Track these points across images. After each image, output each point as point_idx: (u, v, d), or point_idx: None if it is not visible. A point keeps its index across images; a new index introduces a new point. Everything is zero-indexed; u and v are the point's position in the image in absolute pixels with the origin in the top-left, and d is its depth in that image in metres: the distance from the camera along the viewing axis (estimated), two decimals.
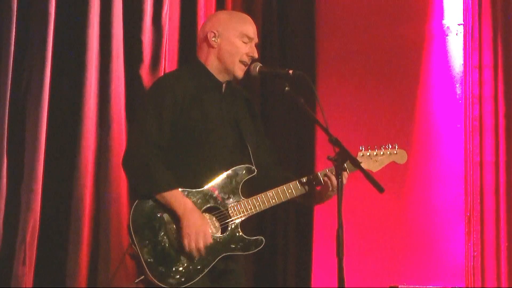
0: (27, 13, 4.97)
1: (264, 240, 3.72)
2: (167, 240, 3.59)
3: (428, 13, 6.23)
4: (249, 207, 3.71)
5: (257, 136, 3.95)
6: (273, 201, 3.75)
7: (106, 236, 5.15)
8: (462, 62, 6.05)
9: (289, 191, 3.77)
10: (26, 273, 4.86)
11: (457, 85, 6.09)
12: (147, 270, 3.55)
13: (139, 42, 5.47)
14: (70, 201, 5.08)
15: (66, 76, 5.12)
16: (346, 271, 3.41)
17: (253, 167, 3.77)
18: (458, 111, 6.04)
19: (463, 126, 5.97)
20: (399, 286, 5.81)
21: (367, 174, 3.56)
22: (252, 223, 5.81)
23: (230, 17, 3.96)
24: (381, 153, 3.91)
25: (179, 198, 3.60)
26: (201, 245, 3.58)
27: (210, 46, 3.84)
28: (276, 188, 3.76)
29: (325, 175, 3.78)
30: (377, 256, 6.15)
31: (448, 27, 6.19)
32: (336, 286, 3.41)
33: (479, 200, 5.89)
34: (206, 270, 3.61)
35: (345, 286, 3.40)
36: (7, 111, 4.80)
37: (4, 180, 4.80)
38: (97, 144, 5.21)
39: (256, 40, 3.87)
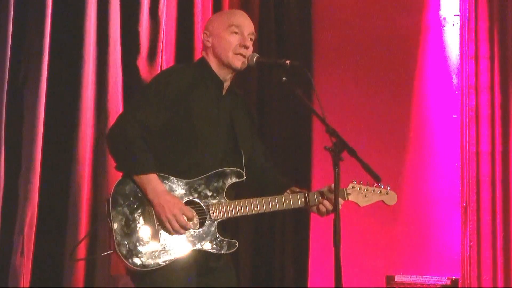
0: (24, 4, 4.96)
1: (237, 244, 3.72)
2: (142, 221, 3.61)
3: (425, 4, 6.24)
4: (230, 209, 3.72)
5: (252, 141, 3.97)
6: (255, 209, 3.76)
7: (104, 227, 5.14)
8: (459, 53, 6.07)
9: (273, 204, 3.78)
10: (24, 264, 4.86)
11: (454, 76, 6.10)
12: (115, 245, 3.56)
13: (137, 33, 5.47)
14: (68, 192, 5.08)
15: (64, 68, 5.12)
16: (342, 261, 3.42)
17: (243, 173, 3.78)
18: (454, 101, 6.05)
19: (459, 116, 5.98)
20: (396, 276, 5.83)
21: (363, 164, 3.58)
22: (249, 216, 5.85)
23: (218, 15, 4.06)
24: (372, 190, 3.92)
25: (152, 182, 3.61)
26: (184, 222, 3.60)
27: (206, 47, 3.87)
28: (261, 198, 3.77)
29: (317, 199, 3.81)
30: (374, 246, 6.16)
31: (444, 18, 6.19)
32: (333, 276, 3.43)
33: (475, 190, 5.90)
34: (173, 259, 3.60)
35: (342, 276, 3.42)
36: (4, 102, 4.80)
37: (2, 171, 4.80)
38: (95, 135, 5.22)
39: (248, 30, 3.84)
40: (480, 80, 5.96)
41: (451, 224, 5.98)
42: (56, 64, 5.06)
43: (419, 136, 6.18)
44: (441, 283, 5.75)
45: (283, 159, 6.22)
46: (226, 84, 3.88)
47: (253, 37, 3.88)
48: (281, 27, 6.45)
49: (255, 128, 4.03)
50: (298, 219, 6.28)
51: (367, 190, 3.89)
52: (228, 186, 3.74)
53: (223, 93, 3.87)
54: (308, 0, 6.55)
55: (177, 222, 3.59)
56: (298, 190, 3.88)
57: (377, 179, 3.60)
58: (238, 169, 3.78)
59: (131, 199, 3.62)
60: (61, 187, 5.08)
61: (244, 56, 3.81)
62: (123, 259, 3.55)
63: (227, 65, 3.81)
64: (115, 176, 5.12)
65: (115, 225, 3.58)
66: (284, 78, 3.72)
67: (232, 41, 3.80)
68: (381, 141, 6.15)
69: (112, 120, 5.20)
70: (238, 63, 3.80)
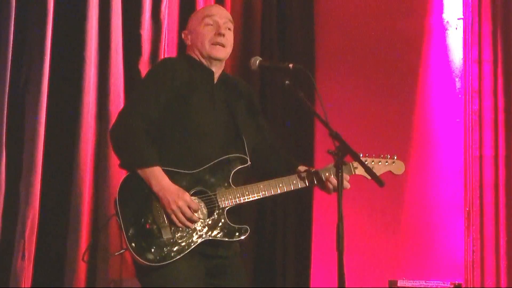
0: (26, 8, 4.96)
1: (249, 229, 3.70)
2: (151, 216, 3.59)
3: (428, 7, 6.23)
4: (238, 195, 3.70)
5: (255, 124, 3.96)
6: (263, 193, 3.74)
7: (105, 230, 5.14)
8: (462, 57, 6.05)
9: (280, 185, 3.77)
10: (25, 268, 4.85)
11: (457, 80, 6.09)
12: (128, 243, 3.54)
13: (138, 36, 5.46)
14: (69, 195, 5.08)
15: (65, 71, 5.12)
16: (345, 266, 3.40)
17: (247, 158, 3.77)
18: (457, 105, 6.04)
19: (462, 120, 5.97)
20: (398, 281, 5.81)
21: (367, 168, 3.57)
22: (251, 219, 5.84)
23: (194, 13, 4.04)
24: (379, 162, 3.90)
25: (157, 175, 3.59)
26: (189, 213, 3.58)
27: (188, 45, 3.90)
28: (267, 181, 3.75)
29: (324, 177, 3.78)
30: (377, 251, 6.15)
31: (447, 22, 6.18)
32: (336, 281, 3.41)
33: (478, 195, 5.89)
34: (187, 251, 3.58)
35: (345, 281, 3.40)
36: (6, 105, 4.80)
37: (3, 175, 4.80)
38: (96, 138, 5.21)
39: (223, 19, 3.84)
40: (484, 84, 5.94)
41: (454, 228, 5.96)
42: (58, 67, 5.05)
43: (422, 140, 6.16)
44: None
45: (287, 151, 6.20)
46: (217, 74, 3.87)
47: (230, 26, 3.88)
48: (284, 30, 6.44)
49: (256, 109, 4.02)
50: (300, 219, 6.27)
51: (373, 162, 3.87)
52: (233, 173, 3.73)
53: (215, 82, 3.86)
54: (311, 3, 6.55)
55: (183, 214, 3.57)
56: (305, 168, 3.85)
57: (380, 183, 3.58)
58: (242, 155, 3.77)
59: (138, 195, 3.61)
60: (62, 191, 5.08)
61: (222, 45, 3.81)
62: (137, 256, 3.53)
63: (207, 57, 3.82)
64: (117, 179, 5.14)
65: (125, 223, 3.56)
66: (287, 82, 3.72)
67: (206, 33, 3.81)
68: (384, 144, 6.13)
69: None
70: (216, 52, 3.82)
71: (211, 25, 3.82)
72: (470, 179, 5.90)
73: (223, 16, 3.86)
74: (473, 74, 5.96)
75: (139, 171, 3.61)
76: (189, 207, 3.58)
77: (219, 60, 3.84)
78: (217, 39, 3.80)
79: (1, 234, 4.82)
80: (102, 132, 5.22)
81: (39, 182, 4.91)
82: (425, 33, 6.22)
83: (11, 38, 4.82)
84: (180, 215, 3.58)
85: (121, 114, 3.74)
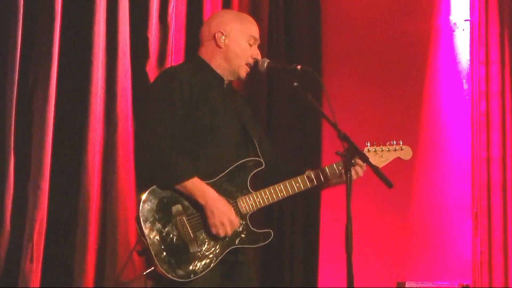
0: (34, 10, 4.96)
1: (272, 233, 3.74)
2: (176, 233, 3.60)
3: (435, 9, 6.23)
4: (258, 200, 3.73)
5: (259, 130, 4.01)
6: (281, 194, 3.78)
7: (113, 233, 5.14)
8: (469, 58, 6.05)
9: (297, 185, 3.80)
10: (34, 271, 4.85)
11: (464, 81, 6.09)
12: (156, 261, 3.55)
13: (146, 39, 5.46)
14: (77, 198, 5.07)
15: (73, 73, 5.11)
16: (353, 267, 3.41)
17: (261, 161, 3.80)
18: (465, 107, 6.04)
19: (470, 122, 5.97)
20: (406, 283, 5.80)
21: (376, 169, 3.57)
22: (259, 220, 5.84)
23: (237, 18, 3.96)
24: (387, 149, 3.94)
25: (199, 186, 3.61)
26: (229, 232, 3.62)
27: (217, 46, 3.86)
28: (284, 182, 3.79)
29: (339, 170, 3.82)
30: (384, 252, 6.15)
31: (455, 23, 6.18)
32: (344, 282, 3.41)
33: (486, 196, 5.89)
34: (215, 263, 3.62)
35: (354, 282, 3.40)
36: (14, 108, 4.79)
37: (11, 177, 4.80)
38: (104, 141, 5.21)
39: (257, 44, 3.91)
40: (491, 85, 5.95)
41: (462, 229, 5.96)
42: (65, 70, 5.05)
43: (429, 141, 6.16)
44: None
45: (291, 159, 6.20)
46: (226, 81, 3.90)
47: None
48: (290, 33, 6.45)
49: (256, 119, 4.08)
50: (308, 219, 6.28)
51: (381, 150, 3.92)
52: (250, 177, 3.75)
53: (224, 87, 3.89)
54: (317, 4, 6.55)
55: (222, 231, 3.61)
56: (313, 170, 3.89)
57: (388, 184, 3.59)
58: (256, 158, 3.79)
59: (160, 213, 3.61)
60: (70, 194, 5.07)
61: (250, 66, 3.85)
62: (167, 274, 3.55)
63: (233, 72, 3.85)
64: (125, 181, 5.16)
65: (151, 243, 3.57)
66: (295, 83, 3.73)
67: (247, 52, 3.83)
68: None
69: (121, 126, 5.21)
70: (244, 73, 3.86)
71: (251, 46, 3.85)
72: (477, 180, 5.90)
73: (258, 42, 3.91)
74: (480, 75, 5.97)
75: (179, 187, 3.61)
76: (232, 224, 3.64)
77: (239, 80, 3.88)
78: (251, 60, 3.84)
79: (10, 237, 4.82)
80: (110, 134, 5.22)
81: (47, 185, 4.90)
82: (432, 34, 6.22)
83: (19, 41, 4.83)
84: (221, 231, 3.61)
85: (142, 136, 3.69)
